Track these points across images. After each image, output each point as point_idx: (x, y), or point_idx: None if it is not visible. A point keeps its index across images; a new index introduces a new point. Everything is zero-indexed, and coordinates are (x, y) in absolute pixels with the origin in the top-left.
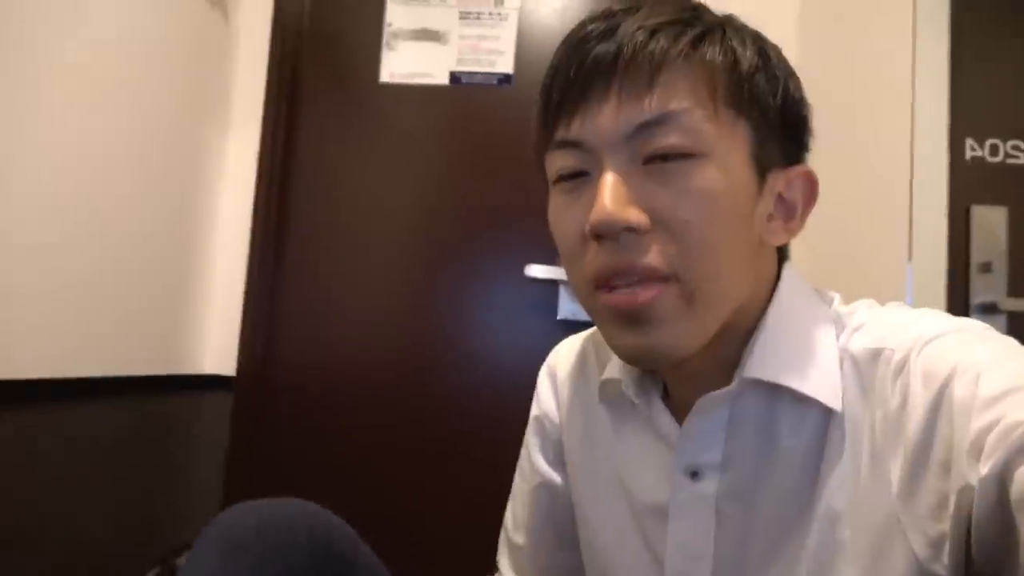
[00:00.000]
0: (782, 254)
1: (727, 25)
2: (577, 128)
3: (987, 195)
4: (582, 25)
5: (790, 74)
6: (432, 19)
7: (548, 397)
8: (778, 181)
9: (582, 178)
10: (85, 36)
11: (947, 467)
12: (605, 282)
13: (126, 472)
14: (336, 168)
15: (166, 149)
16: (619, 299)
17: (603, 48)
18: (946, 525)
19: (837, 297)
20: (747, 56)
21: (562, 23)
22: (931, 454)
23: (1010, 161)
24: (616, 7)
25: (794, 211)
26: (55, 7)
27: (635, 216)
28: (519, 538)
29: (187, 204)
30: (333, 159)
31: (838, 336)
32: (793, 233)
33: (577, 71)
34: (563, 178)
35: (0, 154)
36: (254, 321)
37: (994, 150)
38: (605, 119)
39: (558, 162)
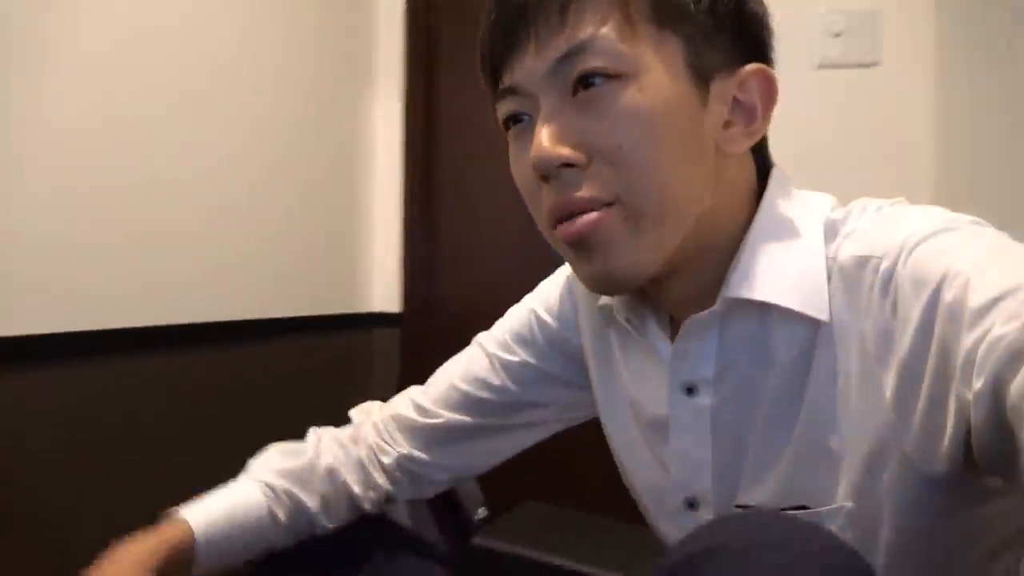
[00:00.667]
0: (765, 162)
1: None
2: (509, 75)
3: None
4: None
5: None
6: None
7: (569, 316)
8: (728, 86)
9: (526, 121)
10: (246, 25)
11: (941, 376)
12: (557, 218)
13: (314, 397)
14: (474, 117)
15: (324, 117)
16: (564, 230)
17: None
18: (944, 430)
19: (831, 201)
20: None
21: None
22: (925, 365)
23: None
24: None
25: (754, 113)
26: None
27: (567, 151)
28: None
29: (346, 164)
30: (471, 109)
31: (828, 245)
32: (755, 136)
33: (497, 21)
34: (507, 123)
35: (201, 140)
36: (411, 264)
37: None
38: (529, 61)
39: (503, 108)
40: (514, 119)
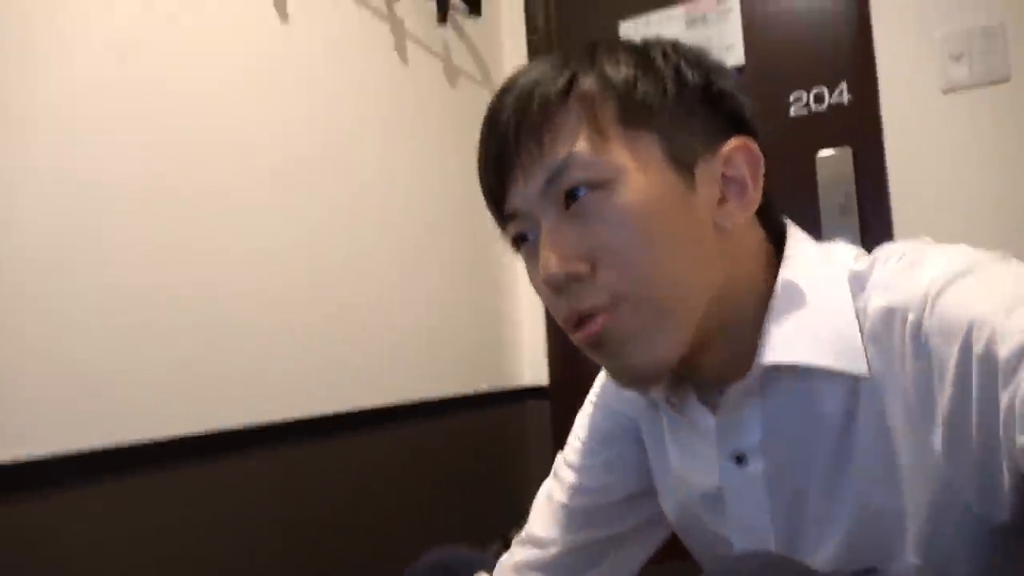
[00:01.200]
0: (776, 224)
1: (599, 53)
2: (509, 203)
3: None
4: (490, 103)
5: (686, 63)
6: (661, 28)
7: (624, 401)
8: (713, 166)
9: (531, 240)
10: (402, 125)
11: (988, 430)
12: (574, 325)
13: (473, 471)
14: None
15: (471, 205)
16: (580, 336)
17: (502, 121)
18: (1000, 482)
19: (854, 252)
20: (620, 73)
21: (782, 4)
22: (970, 420)
23: None
24: None
25: (745, 185)
26: (370, 91)
27: (571, 265)
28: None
29: (490, 247)
30: None
31: (856, 298)
32: (751, 207)
33: (487, 157)
34: (516, 243)
35: (364, 239)
36: (556, 337)
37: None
38: (520, 188)
39: (510, 231)
40: (522, 238)
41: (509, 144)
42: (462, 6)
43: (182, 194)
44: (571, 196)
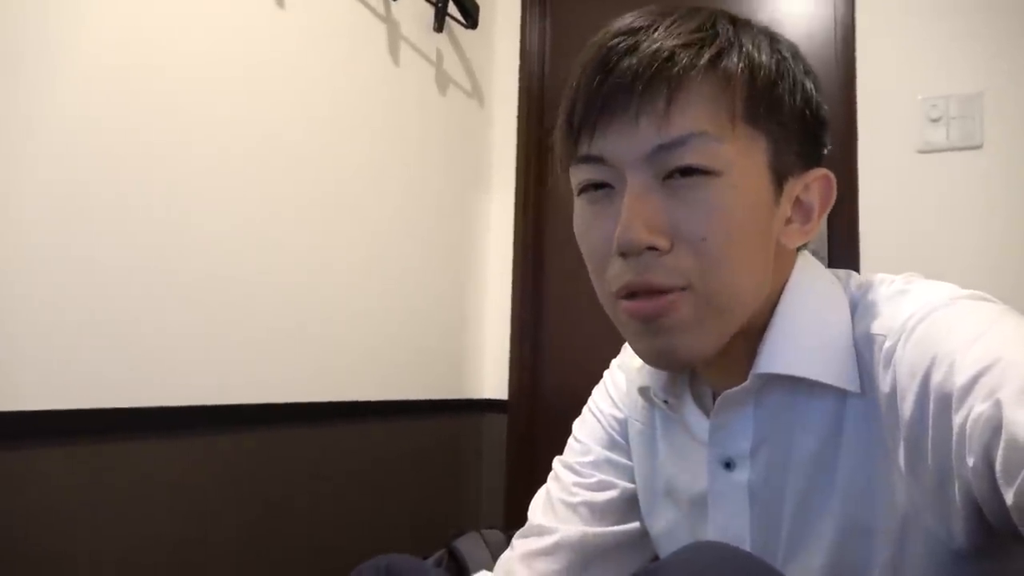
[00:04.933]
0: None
1: (744, 34)
2: (600, 144)
3: None
4: (605, 36)
5: (807, 72)
6: None
7: (615, 405)
8: (796, 187)
9: (606, 189)
10: (374, 136)
11: (942, 454)
12: (627, 294)
13: (425, 476)
14: None
15: (443, 218)
16: (637, 306)
17: (625, 64)
18: (955, 505)
19: (855, 277)
20: (765, 66)
21: None
22: (927, 443)
23: None
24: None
25: (811, 213)
26: (353, 116)
27: (656, 237)
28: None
29: (461, 257)
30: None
31: (852, 319)
32: (810, 235)
33: (598, 88)
34: (587, 188)
35: (330, 242)
36: (520, 352)
37: None
38: (626, 138)
39: (583, 174)
40: (594, 186)
41: (632, 91)
42: (459, 17)
43: (158, 178)
44: (678, 171)
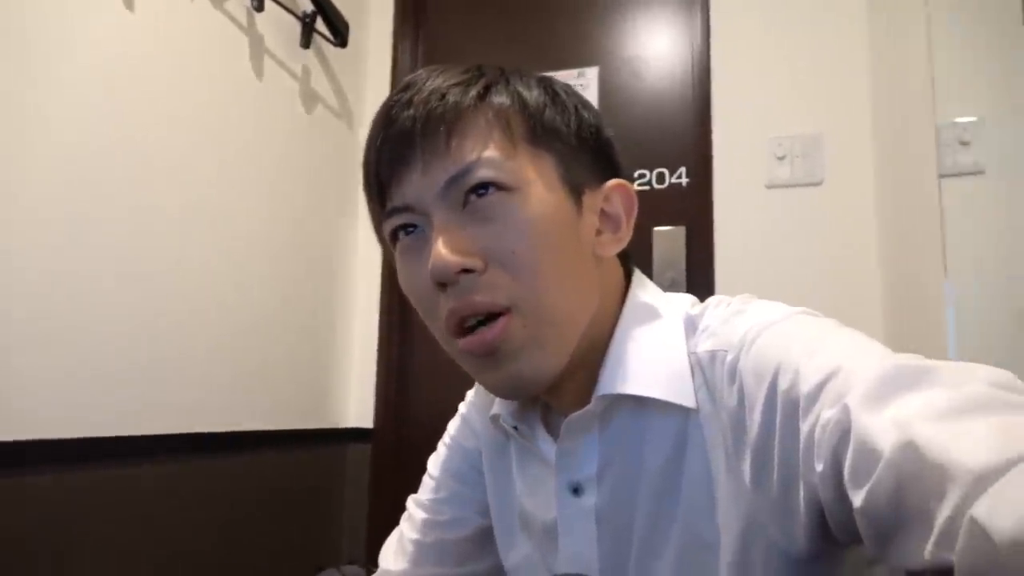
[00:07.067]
0: (628, 265)
1: (511, 76)
2: (401, 194)
3: None
4: (388, 98)
5: (584, 105)
6: None
7: (470, 437)
8: (596, 198)
9: (417, 232)
10: (237, 156)
11: (788, 462)
12: (457, 327)
13: (285, 509)
14: None
15: (308, 238)
16: (471, 341)
17: (405, 115)
18: (799, 511)
19: (690, 299)
20: (534, 96)
21: (637, 80)
22: (773, 452)
23: None
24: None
25: (620, 222)
26: (223, 135)
27: (466, 259)
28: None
29: (327, 282)
30: None
31: (688, 339)
32: (623, 242)
33: (384, 143)
34: (398, 235)
35: (184, 256)
36: (386, 381)
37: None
38: (419, 180)
39: (392, 223)
40: (404, 231)
41: (412, 138)
42: (329, 35)
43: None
44: (475, 192)
